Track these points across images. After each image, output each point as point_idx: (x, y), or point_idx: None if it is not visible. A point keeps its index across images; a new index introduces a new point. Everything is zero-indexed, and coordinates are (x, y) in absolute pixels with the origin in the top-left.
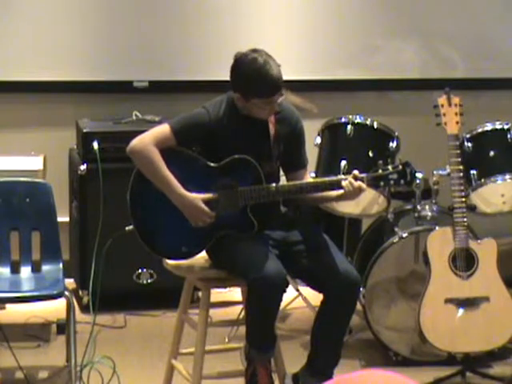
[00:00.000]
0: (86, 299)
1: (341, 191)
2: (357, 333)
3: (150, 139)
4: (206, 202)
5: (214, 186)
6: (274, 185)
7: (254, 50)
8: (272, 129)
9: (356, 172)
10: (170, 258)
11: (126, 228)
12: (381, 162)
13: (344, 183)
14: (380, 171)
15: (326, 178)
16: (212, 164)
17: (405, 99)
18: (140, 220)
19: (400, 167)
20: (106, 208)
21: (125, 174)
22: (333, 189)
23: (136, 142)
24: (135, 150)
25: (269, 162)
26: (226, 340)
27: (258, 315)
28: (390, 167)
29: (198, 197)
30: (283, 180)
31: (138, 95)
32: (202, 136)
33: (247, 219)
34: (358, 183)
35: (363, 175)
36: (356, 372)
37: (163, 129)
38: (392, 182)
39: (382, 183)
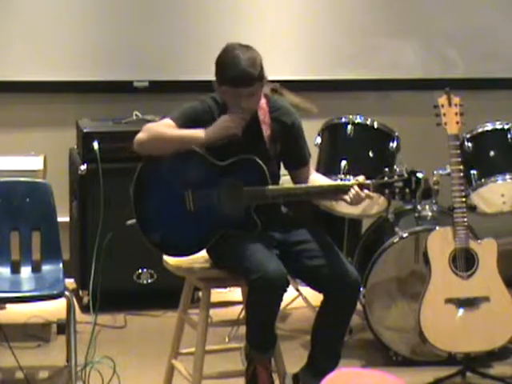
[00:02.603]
0: (86, 299)
1: (345, 196)
2: (357, 333)
3: (153, 127)
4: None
5: (218, 185)
6: (279, 187)
7: (245, 45)
8: (268, 129)
9: (361, 179)
10: (171, 255)
11: (127, 222)
12: (387, 169)
13: (351, 194)
14: (386, 178)
15: (333, 183)
16: (218, 162)
17: (405, 99)
18: (142, 216)
19: (406, 176)
20: (106, 208)
21: (125, 174)
22: (338, 194)
23: (140, 133)
24: (142, 139)
25: (267, 163)
26: (226, 340)
27: (258, 315)
28: (396, 176)
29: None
30: (283, 179)
31: (137, 95)
32: (203, 124)
33: (250, 219)
34: (365, 193)
35: (368, 182)
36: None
37: (165, 120)
38: (397, 189)
39: (386, 190)
